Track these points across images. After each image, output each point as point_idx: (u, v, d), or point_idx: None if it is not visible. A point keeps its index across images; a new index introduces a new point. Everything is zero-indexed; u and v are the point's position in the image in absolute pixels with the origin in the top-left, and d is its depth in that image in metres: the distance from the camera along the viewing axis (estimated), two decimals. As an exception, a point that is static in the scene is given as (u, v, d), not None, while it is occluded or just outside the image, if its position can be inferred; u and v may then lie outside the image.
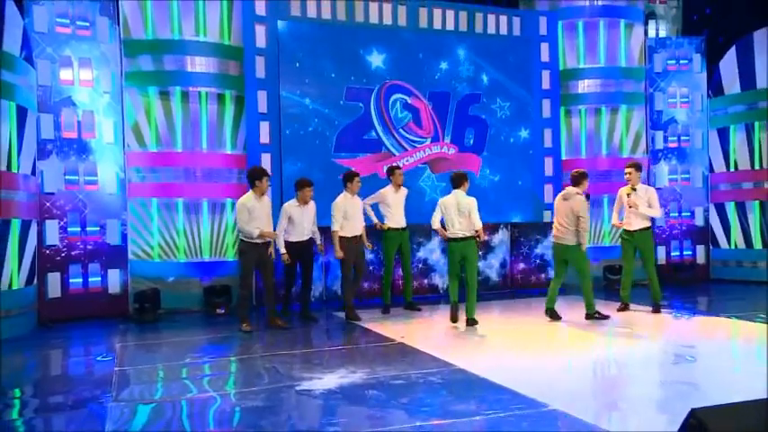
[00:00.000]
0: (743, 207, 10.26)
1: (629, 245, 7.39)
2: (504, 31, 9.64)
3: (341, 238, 7.15)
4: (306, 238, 7.24)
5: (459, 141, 9.57)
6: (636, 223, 7.31)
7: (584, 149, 10.21)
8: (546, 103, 9.95)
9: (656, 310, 7.32)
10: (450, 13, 9.37)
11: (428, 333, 6.48)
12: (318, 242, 7.46)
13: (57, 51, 7.63)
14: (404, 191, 7.87)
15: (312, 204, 7.31)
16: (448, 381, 4.44)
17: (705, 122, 10.58)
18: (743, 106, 10.20)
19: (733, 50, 10.26)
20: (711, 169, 10.61)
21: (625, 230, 7.43)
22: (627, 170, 7.40)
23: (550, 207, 9.85)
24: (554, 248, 7.15)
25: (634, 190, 7.30)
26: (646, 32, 10.73)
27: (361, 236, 7.40)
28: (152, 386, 4.76)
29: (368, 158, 9.11)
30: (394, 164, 8.50)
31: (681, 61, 10.42)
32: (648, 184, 10.16)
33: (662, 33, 11.45)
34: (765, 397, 2.53)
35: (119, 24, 8.01)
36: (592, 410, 3.75)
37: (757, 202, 10.08)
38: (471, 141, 9.64)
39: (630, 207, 7.28)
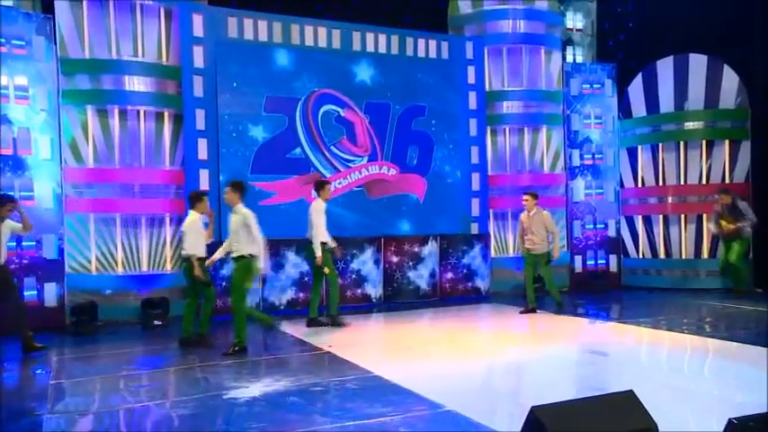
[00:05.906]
0: (649, 220, 11.26)
1: None
2: (433, 54, 10.25)
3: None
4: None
5: (400, 160, 9.52)
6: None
7: (509, 166, 10.95)
8: (473, 123, 10.62)
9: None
10: (382, 38, 9.89)
11: (355, 342, 6.96)
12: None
13: (-8, 69, 7.74)
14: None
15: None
16: (363, 387, 4.94)
17: (616, 142, 11.53)
18: (648, 128, 11.21)
19: (639, 77, 11.26)
20: (622, 185, 11.57)
21: None
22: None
23: (477, 220, 10.62)
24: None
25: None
26: (564, 58, 11.61)
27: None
28: (88, 398, 5.03)
29: (292, 181, 8.60)
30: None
31: (594, 85, 11.33)
32: (567, 199, 11.05)
33: (578, 59, 12.38)
34: (600, 395, 3.11)
35: (56, 44, 8.17)
36: (483, 411, 4.30)
37: (661, 215, 11.09)
38: (415, 161, 9.54)
39: None
